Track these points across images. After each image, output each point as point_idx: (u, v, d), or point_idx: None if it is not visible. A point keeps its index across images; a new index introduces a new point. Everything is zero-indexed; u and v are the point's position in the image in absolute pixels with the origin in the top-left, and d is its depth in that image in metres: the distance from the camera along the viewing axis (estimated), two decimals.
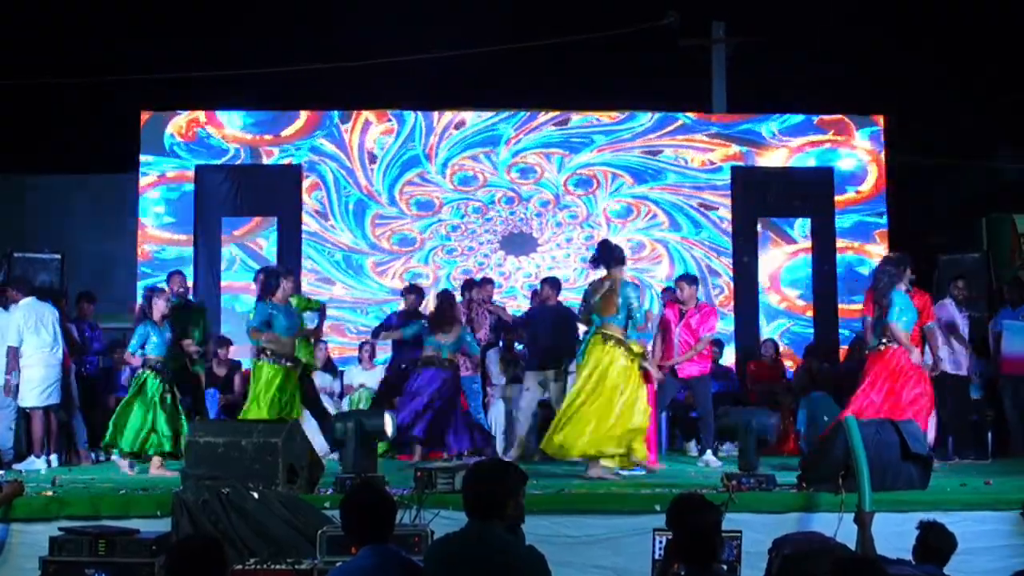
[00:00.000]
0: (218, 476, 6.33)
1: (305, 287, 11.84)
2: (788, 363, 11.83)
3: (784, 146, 12.86)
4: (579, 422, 7.54)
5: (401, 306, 10.31)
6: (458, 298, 9.78)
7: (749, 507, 6.26)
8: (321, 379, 10.09)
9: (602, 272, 7.89)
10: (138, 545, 5.76)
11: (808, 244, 12.70)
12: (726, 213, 12.69)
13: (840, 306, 12.53)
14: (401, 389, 9.25)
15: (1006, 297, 10.16)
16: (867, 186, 12.75)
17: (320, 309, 9.64)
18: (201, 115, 12.69)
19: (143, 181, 12.53)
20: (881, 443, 6.58)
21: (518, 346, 9.98)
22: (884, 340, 7.70)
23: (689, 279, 9.25)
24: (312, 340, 9.45)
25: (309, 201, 12.59)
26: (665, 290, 10.63)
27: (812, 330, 12.49)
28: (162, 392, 8.18)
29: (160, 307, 8.36)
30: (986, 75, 15.04)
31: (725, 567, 5.22)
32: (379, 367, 10.59)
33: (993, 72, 14.92)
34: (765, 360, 11.51)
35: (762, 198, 12.73)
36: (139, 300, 9.49)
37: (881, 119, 12.96)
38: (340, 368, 11.05)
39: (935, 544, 5.02)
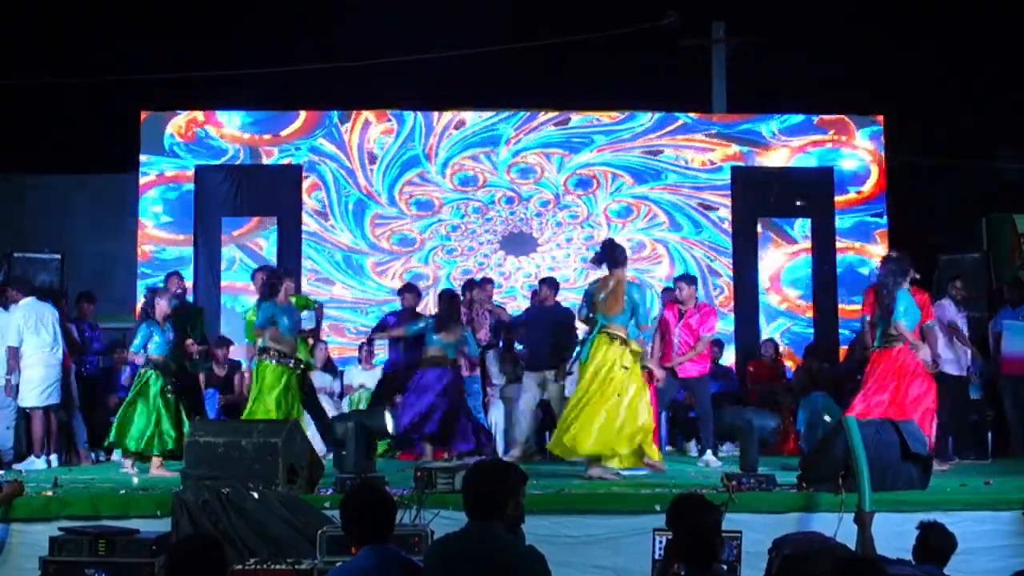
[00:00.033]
0: (218, 476, 6.34)
1: (305, 287, 11.87)
2: (788, 363, 11.83)
3: (784, 146, 12.85)
4: (587, 421, 7.48)
5: (399, 306, 10.31)
6: None
7: (749, 507, 6.26)
8: (321, 379, 10.09)
9: (604, 271, 7.85)
10: (138, 545, 5.76)
11: (808, 244, 12.71)
12: (726, 213, 12.68)
13: (840, 306, 12.53)
14: (401, 387, 9.24)
15: (1006, 297, 10.17)
16: (867, 186, 12.75)
17: (317, 308, 9.65)
18: (201, 115, 12.68)
19: (143, 181, 12.52)
20: (881, 443, 6.59)
21: (518, 346, 9.97)
22: (889, 339, 7.71)
23: (688, 279, 9.24)
24: (310, 339, 9.45)
25: (309, 201, 12.59)
26: (665, 290, 10.63)
27: (812, 330, 12.49)
28: (165, 391, 8.19)
29: (162, 307, 8.38)
30: (986, 75, 15.04)
31: (725, 567, 5.22)
32: (379, 367, 10.58)
33: (993, 72, 14.92)
34: (765, 360, 11.50)
35: (762, 198, 12.72)
36: (139, 300, 9.49)
37: (881, 119, 12.97)
38: (340, 368, 11.05)
39: (935, 544, 5.02)
